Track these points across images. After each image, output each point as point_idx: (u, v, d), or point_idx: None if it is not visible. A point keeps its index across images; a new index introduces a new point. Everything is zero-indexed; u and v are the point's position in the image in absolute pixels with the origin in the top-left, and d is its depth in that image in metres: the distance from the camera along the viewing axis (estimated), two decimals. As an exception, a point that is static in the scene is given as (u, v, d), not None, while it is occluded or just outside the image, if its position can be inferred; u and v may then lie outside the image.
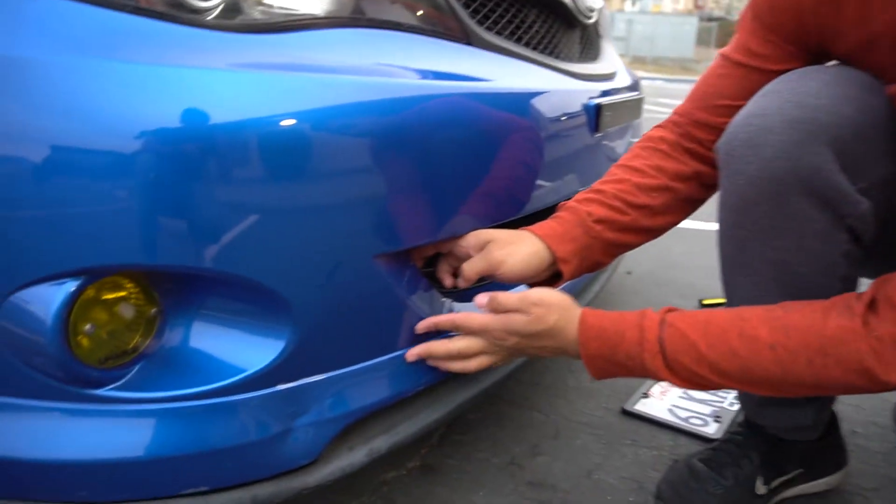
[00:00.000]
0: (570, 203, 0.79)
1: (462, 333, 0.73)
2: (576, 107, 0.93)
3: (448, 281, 0.79)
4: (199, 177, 0.54)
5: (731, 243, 0.71)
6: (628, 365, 0.67)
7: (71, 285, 0.56)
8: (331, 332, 0.65)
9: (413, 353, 0.72)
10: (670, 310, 0.68)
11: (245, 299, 0.63)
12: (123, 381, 0.61)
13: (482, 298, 0.72)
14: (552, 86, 0.89)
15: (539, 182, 0.86)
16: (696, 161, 0.81)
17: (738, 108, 0.73)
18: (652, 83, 12.20)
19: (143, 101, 0.53)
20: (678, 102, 0.87)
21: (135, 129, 0.53)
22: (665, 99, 7.82)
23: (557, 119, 0.88)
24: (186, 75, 0.54)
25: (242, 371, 0.62)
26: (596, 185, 0.82)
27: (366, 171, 0.62)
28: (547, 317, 0.70)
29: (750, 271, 0.70)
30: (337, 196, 0.61)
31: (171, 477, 0.61)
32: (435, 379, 0.75)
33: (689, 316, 0.66)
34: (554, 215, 0.79)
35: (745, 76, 0.76)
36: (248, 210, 0.57)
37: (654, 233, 0.83)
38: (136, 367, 0.62)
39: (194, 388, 0.61)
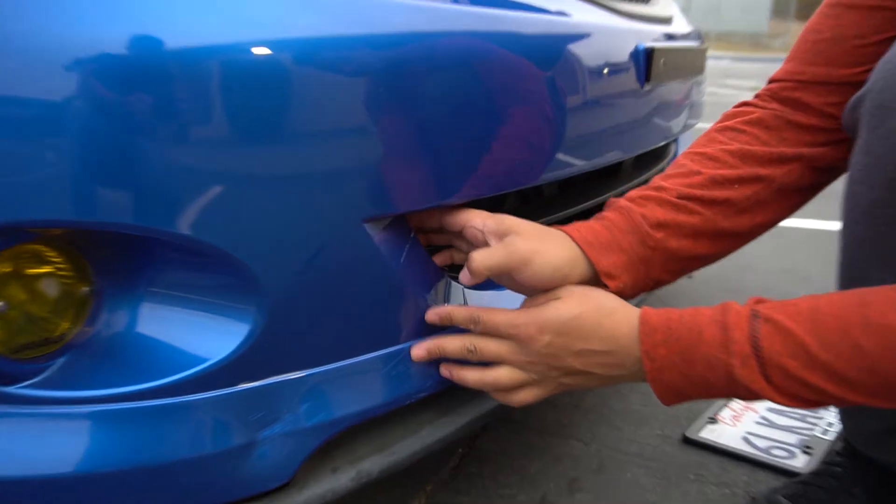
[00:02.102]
0: (622, 202, 0.74)
1: (482, 331, 0.70)
2: (621, 50, 0.91)
3: (441, 257, 0.77)
4: (144, 114, 0.52)
5: (872, 227, 0.63)
6: (709, 378, 0.61)
7: (-23, 250, 0.54)
8: (309, 317, 0.62)
9: (422, 347, 0.69)
10: (760, 300, 0.62)
11: (199, 272, 0.61)
12: (44, 376, 0.59)
13: (465, 276, 0.68)
14: (591, 21, 0.87)
15: (570, 141, 0.83)
16: (803, 139, 0.75)
17: (877, 47, 0.66)
18: (717, 63, 12.18)
19: (76, 15, 0.51)
20: (750, 83, 0.83)
21: (65, 49, 0.51)
22: (733, 80, 7.78)
23: (598, 63, 0.85)
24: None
25: (195, 364, 0.59)
26: (657, 179, 0.77)
27: (358, 114, 0.60)
28: (586, 301, 0.66)
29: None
30: (320, 143, 0.59)
31: (102, 501, 0.58)
32: (442, 385, 0.72)
33: (790, 306, 0.60)
34: (598, 216, 0.74)
35: (871, 12, 0.69)
36: (207, 156, 0.55)
37: (738, 238, 0.76)
38: (62, 360, 0.60)
39: (133, 385, 0.59)
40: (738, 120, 0.78)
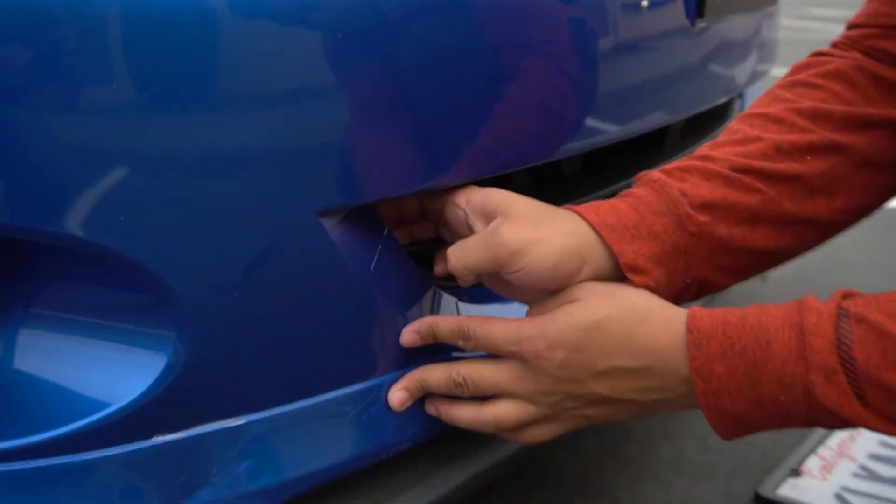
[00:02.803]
0: (654, 174, 0.75)
1: (476, 351, 0.70)
2: (665, -24, 0.91)
3: (440, 266, 0.77)
4: (17, 73, 0.53)
5: None
6: (782, 402, 0.61)
7: None
8: (248, 345, 0.63)
9: (400, 388, 0.70)
10: (849, 294, 0.63)
11: (96, 287, 0.61)
12: None
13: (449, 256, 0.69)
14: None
15: (599, 100, 0.83)
16: (893, 99, 0.76)
17: None
18: (797, -14, 12.19)
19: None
20: (842, 12, 0.85)
21: None
22: (819, 9, 7.82)
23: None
24: None
25: (93, 411, 0.60)
26: (703, 148, 0.77)
27: (309, 71, 0.61)
28: (610, 301, 0.66)
29: None
30: (257, 110, 0.59)
31: None
32: (429, 432, 0.73)
33: (890, 301, 0.60)
34: (623, 192, 0.75)
35: None
36: (103, 130, 0.55)
37: (813, 229, 0.77)
38: None
39: (9, 440, 0.59)
40: (811, 72, 0.79)
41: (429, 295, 0.75)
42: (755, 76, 1.27)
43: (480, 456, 0.77)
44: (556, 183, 1.03)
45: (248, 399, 0.64)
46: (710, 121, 1.28)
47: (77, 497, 0.60)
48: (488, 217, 0.70)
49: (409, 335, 0.70)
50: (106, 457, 0.60)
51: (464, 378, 0.69)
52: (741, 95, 1.37)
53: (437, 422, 0.72)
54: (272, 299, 0.63)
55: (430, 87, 0.68)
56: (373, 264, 0.68)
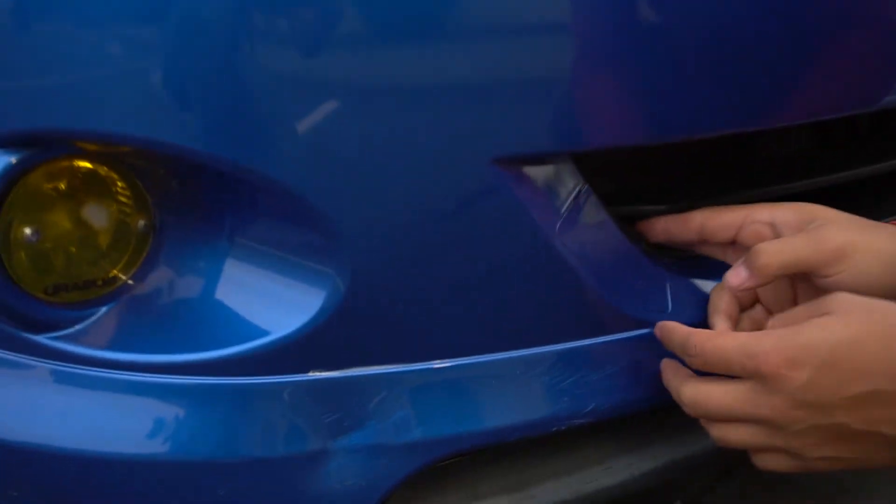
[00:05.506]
0: None
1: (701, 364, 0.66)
2: None
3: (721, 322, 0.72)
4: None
5: None
6: None
7: (6, 158, 0.59)
8: (409, 294, 0.63)
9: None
10: None
11: (266, 220, 0.64)
12: (80, 327, 0.64)
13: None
14: None
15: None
16: None
17: None
18: None
19: None
20: None
21: None
22: None
23: None
24: None
25: (254, 338, 0.63)
26: None
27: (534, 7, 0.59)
28: (869, 316, 0.60)
29: None
30: (471, 46, 0.59)
31: (119, 489, 0.64)
32: (611, 412, 0.69)
33: None
34: None
35: None
36: (309, 63, 0.57)
37: None
38: (104, 310, 0.65)
39: (189, 353, 0.63)
40: None
41: (633, 263, 0.71)
42: None
43: (681, 443, 0.74)
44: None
45: (407, 348, 0.65)
46: None
47: (233, 417, 0.63)
48: (802, 228, 0.69)
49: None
50: (264, 383, 0.63)
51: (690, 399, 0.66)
52: None
53: (621, 401, 0.70)
54: (438, 248, 0.63)
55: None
56: (561, 220, 0.65)
